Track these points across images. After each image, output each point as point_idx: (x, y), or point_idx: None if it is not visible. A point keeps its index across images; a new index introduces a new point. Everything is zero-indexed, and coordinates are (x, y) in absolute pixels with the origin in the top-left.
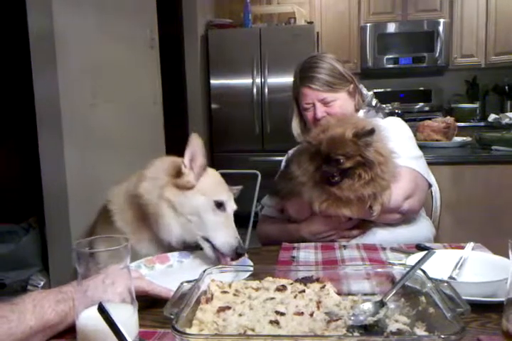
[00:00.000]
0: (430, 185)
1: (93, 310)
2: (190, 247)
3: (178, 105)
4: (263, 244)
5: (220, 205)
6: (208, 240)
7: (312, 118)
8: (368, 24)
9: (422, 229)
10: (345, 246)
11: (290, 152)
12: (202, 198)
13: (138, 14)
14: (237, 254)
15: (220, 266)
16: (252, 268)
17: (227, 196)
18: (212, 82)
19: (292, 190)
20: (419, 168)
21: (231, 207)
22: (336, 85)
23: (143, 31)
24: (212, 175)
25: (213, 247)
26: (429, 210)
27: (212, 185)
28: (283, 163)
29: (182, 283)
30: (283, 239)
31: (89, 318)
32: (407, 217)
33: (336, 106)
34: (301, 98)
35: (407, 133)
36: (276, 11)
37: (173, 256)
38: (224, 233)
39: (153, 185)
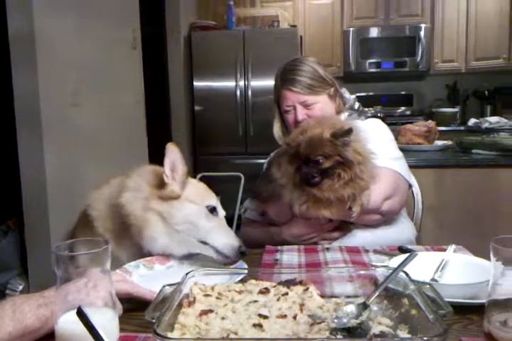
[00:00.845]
0: (411, 186)
1: (72, 314)
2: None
3: (161, 107)
4: (246, 247)
5: (212, 210)
6: (207, 244)
7: (293, 121)
8: (351, 28)
9: (403, 230)
10: (328, 249)
11: (272, 154)
12: (193, 206)
13: (120, 15)
14: (240, 253)
15: (203, 269)
16: (246, 271)
17: (216, 200)
18: (196, 84)
19: (273, 192)
20: (399, 169)
21: (221, 211)
22: (316, 88)
23: (125, 32)
24: (196, 182)
25: (216, 250)
26: (411, 213)
27: (199, 191)
28: (264, 166)
29: (164, 286)
30: (266, 243)
31: (68, 322)
32: (387, 218)
33: (317, 108)
34: (282, 101)
35: (387, 134)
36: (259, 13)
37: (174, 257)
38: (223, 235)
39: (135, 196)
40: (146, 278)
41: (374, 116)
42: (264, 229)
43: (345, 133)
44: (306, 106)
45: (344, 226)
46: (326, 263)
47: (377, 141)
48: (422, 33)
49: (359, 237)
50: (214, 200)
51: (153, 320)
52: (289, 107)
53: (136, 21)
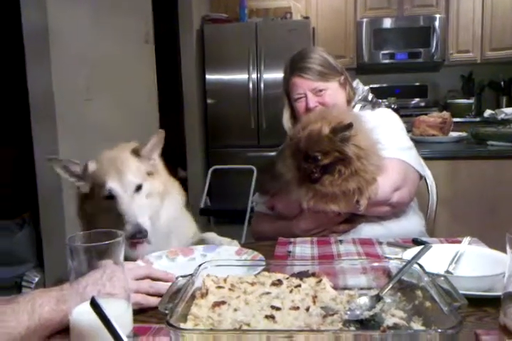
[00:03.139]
0: (421, 176)
1: (86, 305)
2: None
3: (174, 100)
4: (258, 240)
5: None
6: None
7: (304, 109)
8: (364, 19)
9: (412, 222)
10: (341, 241)
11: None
12: None
13: (133, 9)
14: None
15: (216, 261)
16: (263, 263)
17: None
18: (208, 77)
19: (280, 188)
20: (408, 159)
21: None
22: (327, 74)
23: (138, 26)
24: None
25: None
26: (426, 205)
27: None
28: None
29: (177, 278)
30: (276, 237)
31: (82, 313)
32: (397, 210)
33: (327, 95)
34: (292, 89)
35: (397, 124)
36: (272, 5)
37: (198, 250)
38: None
39: None
40: (166, 269)
41: (388, 107)
42: (275, 224)
43: (344, 129)
44: (316, 92)
45: (354, 219)
46: (339, 255)
47: (386, 131)
48: (436, 24)
49: (368, 230)
50: None
51: (167, 311)
52: (299, 95)
53: (149, 15)
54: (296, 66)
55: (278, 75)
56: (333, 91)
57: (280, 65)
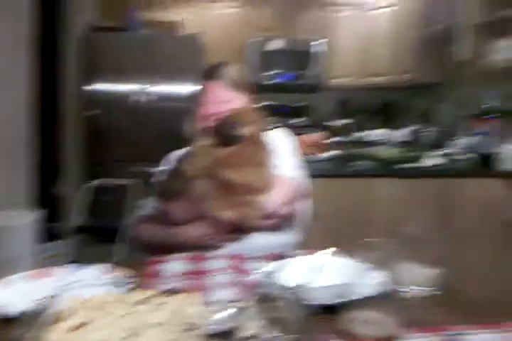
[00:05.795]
0: (308, 195)
1: None
2: None
3: (53, 111)
4: (142, 248)
5: None
6: None
7: (203, 114)
8: (253, 40)
9: (292, 236)
10: (213, 257)
11: (174, 155)
12: None
13: (9, 11)
14: None
15: (80, 280)
16: (131, 281)
17: None
18: (92, 88)
19: (180, 188)
20: (299, 177)
21: None
22: (234, 86)
23: (14, 29)
24: None
25: None
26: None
27: None
28: (163, 167)
29: (37, 301)
30: (161, 243)
31: None
32: (285, 223)
33: (230, 106)
34: (198, 93)
35: (292, 143)
36: (164, 18)
37: (60, 271)
38: None
39: None
40: (25, 292)
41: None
42: (159, 230)
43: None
44: (219, 100)
45: (243, 229)
46: (210, 271)
47: (283, 149)
48: (316, 48)
49: (256, 240)
50: None
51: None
52: (203, 100)
53: (27, 19)
54: (208, 72)
55: (167, 88)
56: (236, 103)
57: (169, 78)
